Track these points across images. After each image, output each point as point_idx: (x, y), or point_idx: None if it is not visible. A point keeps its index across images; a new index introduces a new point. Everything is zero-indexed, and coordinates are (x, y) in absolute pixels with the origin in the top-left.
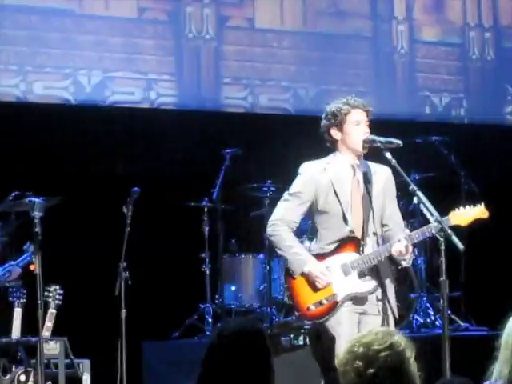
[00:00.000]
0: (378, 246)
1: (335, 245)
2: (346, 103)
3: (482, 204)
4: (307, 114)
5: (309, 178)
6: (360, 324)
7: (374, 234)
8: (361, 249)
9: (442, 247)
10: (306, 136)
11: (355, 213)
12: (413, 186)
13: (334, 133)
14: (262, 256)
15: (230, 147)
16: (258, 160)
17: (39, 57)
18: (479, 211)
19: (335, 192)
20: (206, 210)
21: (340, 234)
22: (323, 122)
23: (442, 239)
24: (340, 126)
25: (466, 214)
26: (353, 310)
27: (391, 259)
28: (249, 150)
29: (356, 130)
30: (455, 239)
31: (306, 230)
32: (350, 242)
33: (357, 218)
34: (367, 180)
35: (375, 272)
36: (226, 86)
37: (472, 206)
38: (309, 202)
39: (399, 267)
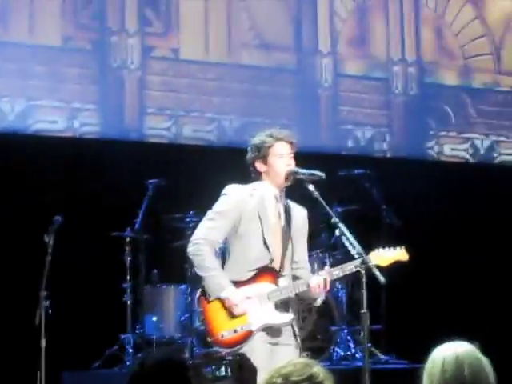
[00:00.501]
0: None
1: (253, 273)
2: (270, 136)
3: (403, 247)
4: (231, 146)
5: (236, 199)
6: (272, 354)
7: (288, 267)
8: (278, 280)
9: (364, 279)
10: (230, 167)
11: (275, 244)
12: (335, 219)
13: (259, 165)
14: (183, 287)
15: (153, 177)
16: (181, 190)
17: None
18: (399, 254)
19: (260, 218)
20: (128, 239)
21: (259, 263)
22: (248, 155)
23: (363, 272)
24: (264, 159)
25: (386, 255)
26: (265, 341)
27: (301, 297)
28: (172, 180)
29: (279, 162)
30: (376, 272)
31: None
32: (269, 272)
33: (276, 250)
34: (287, 214)
35: (288, 304)
36: (149, 116)
37: (393, 247)
38: (233, 223)
39: (309, 304)
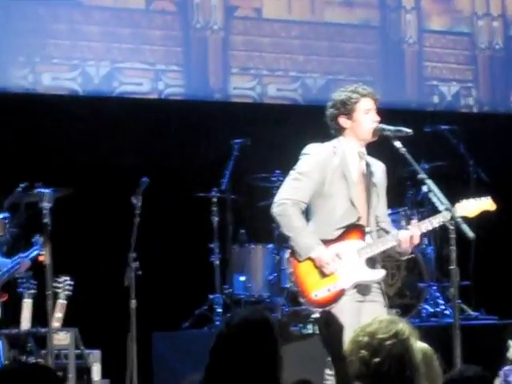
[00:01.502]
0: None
1: (341, 231)
2: (355, 91)
3: (489, 197)
4: (316, 104)
5: (319, 158)
6: (360, 312)
7: (374, 223)
8: (366, 237)
9: (452, 235)
10: (315, 126)
11: (360, 201)
12: (422, 175)
13: (343, 121)
14: (271, 246)
15: (238, 137)
16: (267, 150)
17: (47, 48)
18: (486, 203)
19: (344, 177)
20: (215, 200)
21: (347, 221)
22: (330, 111)
23: (451, 227)
24: (350, 115)
25: (473, 206)
26: (354, 299)
27: (389, 252)
28: (257, 140)
29: (366, 118)
30: (465, 227)
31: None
32: (356, 229)
33: (361, 206)
34: (369, 171)
35: (375, 261)
36: (233, 77)
37: (479, 197)
38: (317, 183)
39: (397, 261)
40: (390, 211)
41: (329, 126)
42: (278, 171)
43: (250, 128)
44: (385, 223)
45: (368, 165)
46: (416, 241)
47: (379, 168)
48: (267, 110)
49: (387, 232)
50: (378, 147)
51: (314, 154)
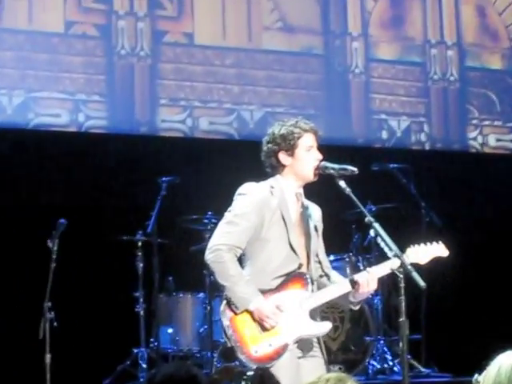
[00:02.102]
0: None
1: (281, 279)
2: (297, 126)
3: (440, 242)
4: (252, 139)
5: (256, 199)
6: (299, 369)
7: (315, 270)
8: (308, 285)
9: (402, 284)
10: (251, 163)
11: (300, 245)
12: (369, 218)
13: (283, 158)
14: (202, 295)
15: (166, 175)
16: (198, 189)
17: None
18: (438, 249)
19: (283, 219)
20: (140, 244)
21: (287, 268)
22: (269, 146)
23: (401, 276)
24: (291, 151)
25: (424, 252)
26: (293, 355)
27: (336, 301)
28: (188, 178)
29: (308, 155)
30: (416, 276)
31: None
32: (298, 277)
33: (302, 252)
34: (307, 213)
35: (318, 312)
36: (162, 108)
37: (430, 243)
38: (255, 226)
39: (342, 312)
40: (332, 257)
41: (265, 163)
42: (210, 213)
43: (179, 165)
44: (328, 269)
45: (305, 207)
46: (374, 286)
47: (316, 211)
48: (199, 146)
49: (329, 279)
50: (321, 187)
51: (250, 195)
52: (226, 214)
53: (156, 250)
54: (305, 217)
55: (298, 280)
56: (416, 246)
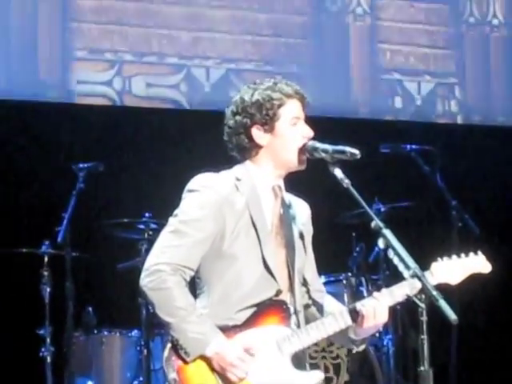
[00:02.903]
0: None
1: (250, 312)
2: (277, 90)
3: (480, 254)
4: (209, 108)
5: (216, 197)
6: None
7: (301, 296)
8: (290, 320)
9: (423, 317)
10: (207, 142)
11: (279, 263)
12: (377, 222)
13: (258, 135)
14: (135, 334)
15: (85, 160)
16: (131, 181)
17: None
18: (478, 263)
19: (254, 226)
20: (46, 259)
21: (260, 296)
22: (236, 119)
23: (422, 305)
24: (269, 125)
25: (458, 268)
26: None
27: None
28: (116, 164)
29: (293, 131)
30: (444, 304)
31: None
32: (275, 308)
33: (281, 272)
34: (289, 215)
35: (303, 357)
36: (78, 64)
37: (465, 254)
38: (212, 238)
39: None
40: (324, 279)
41: (229, 144)
42: (148, 214)
43: (103, 147)
44: (319, 294)
45: (286, 206)
46: (383, 318)
47: (303, 210)
48: (132, 118)
49: (320, 308)
50: (308, 178)
51: (205, 191)
52: (171, 219)
53: (70, 267)
54: (286, 220)
55: (274, 312)
56: (445, 259)
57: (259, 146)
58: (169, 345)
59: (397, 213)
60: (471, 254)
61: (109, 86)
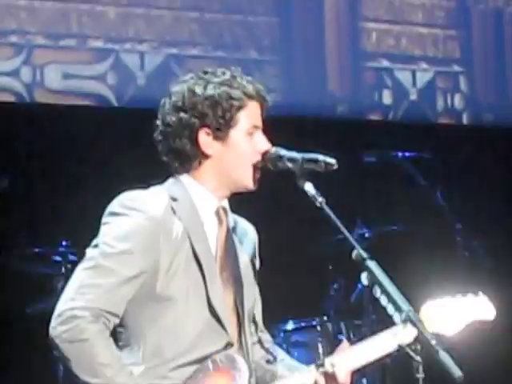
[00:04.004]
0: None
1: (191, 369)
2: (237, 87)
3: (481, 294)
4: (142, 106)
5: (147, 223)
6: None
7: (252, 346)
8: (243, 381)
9: (420, 375)
10: (139, 150)
11: (227, 306)
12: (360, 252)
13: (206, 141)
14: None
15: None
16: (42, 199)
17: None
18: (479, 307)
19: (197, 258)
20: None
21: (206, 349)
22: (180, 117)
23: (418, 359)
24: (222, 131)
25: (454, 313)
26: None
27: None
28: (24, 179)
29: (249, 142)
30: (446, 358)
31: None
32: (223, 365)
33: (230, 316)
34: (234, 241)
35: None
36: None
37: (462, 294)
38: (143, 276)
39: None
40: (292, 325)
41: (163, 146)
42: (65, 243)
43: (7, 155)
44: (265, 337)
45: (230, 231)
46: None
47: (249, 235)
48: (43, 118)
49: (270, 359)
50: (269, 194)
51: (134, 217)
52: (90, 250)
53: None
54: (231, 250)
55: (223, 371)
56: (437, 301)
57: (205, 156)
58: None
59: (385, 239)
60: (470, 295)
61: (15, 78)
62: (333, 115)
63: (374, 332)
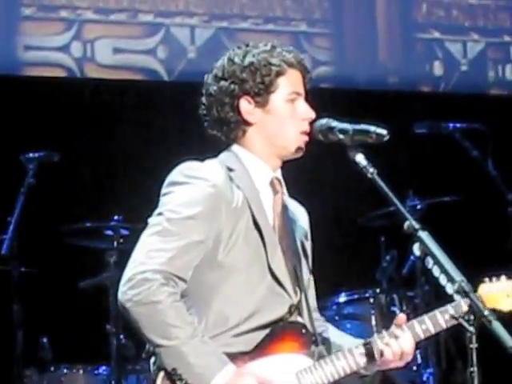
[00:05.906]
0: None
1: (261, 335)
2: (276, 55)
3: None
4: (193, 80)
5: (210, 191)
6: None
7: (314, 317)
8: (311, 348)
9: (473, 345)
10: (192, 123)
11: (288, 274)
12: (412, 223)
13: (247, 108)
14: (103, 370)
15: (35, 149)
16: (94, 174)
17: None
18: None
19: (257, 228)
20: None
21: (271, 314)
22: (221, 84)
23: (471, 329)
24: (263, 97)
25: (509, 292)
26: None
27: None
28: (76, 154)
29: (292, 109)
30: (499, 329)
31: None
32: (292, 330)
33: (291, 285)
34: (291, 217)
35: None
36: (25, 24)
37: None
38: (208, 242)
39: None
40: (344, 297)
41: (207, 118)
42: (117, 217)
43: (58, 130)
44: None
45: (285, 206)
46: (408, 357)
47: (302, 215)
48: (95, 93)
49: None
50: (320, 167)
51: (197, 184)
52: (154, 218)
53: (17, 285)
54: (289, 223)
55: (292, 335)
56: (494, 280)
57: (248, 124)
58: (161, 374)
59: (437, 210)
60: None
61: (65, 53)
62: (384, 86)
63: (426, 303)
